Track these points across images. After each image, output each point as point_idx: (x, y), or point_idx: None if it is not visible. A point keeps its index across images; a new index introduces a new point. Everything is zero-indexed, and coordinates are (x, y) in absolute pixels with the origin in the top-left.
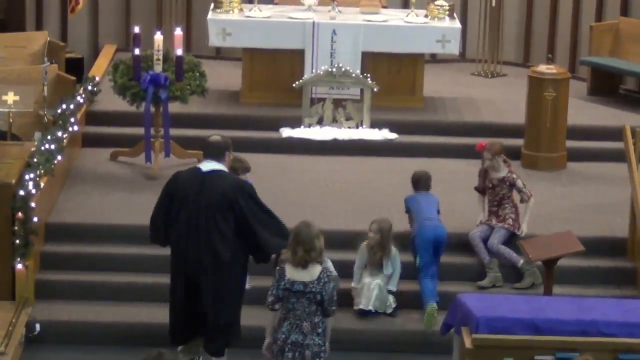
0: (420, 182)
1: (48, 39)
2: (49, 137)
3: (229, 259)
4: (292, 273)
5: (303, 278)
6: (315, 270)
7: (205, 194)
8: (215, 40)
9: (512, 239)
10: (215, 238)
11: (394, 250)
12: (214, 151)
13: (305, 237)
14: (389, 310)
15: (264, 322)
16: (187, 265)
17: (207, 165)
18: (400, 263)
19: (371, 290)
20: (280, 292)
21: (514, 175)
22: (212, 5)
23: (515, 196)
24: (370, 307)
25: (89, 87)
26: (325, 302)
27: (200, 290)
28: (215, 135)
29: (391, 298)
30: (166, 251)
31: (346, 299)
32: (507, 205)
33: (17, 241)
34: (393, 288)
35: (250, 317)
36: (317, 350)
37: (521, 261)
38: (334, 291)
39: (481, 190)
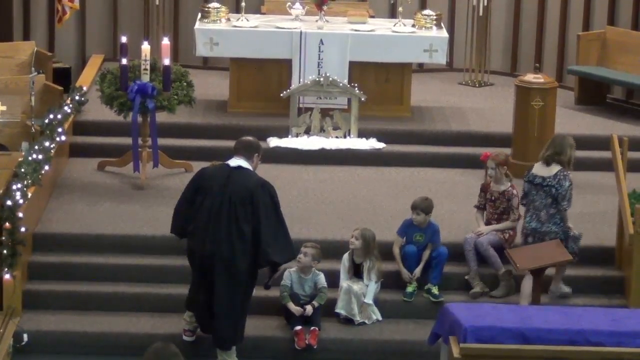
0: None
1: (35, 48)
2: (36, 147)
3: (245, 254)
4: (537, 168)
5: (543, 173)
6: (554, 169)
7: (229, 187)
8: (202, 50)
9: (501, 250)
10: (234, 233)
11: (375, 263)
12: (244, 149)
13: (559, 142)
14: (365, 320)
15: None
16: (202, 255)
17: (235, 162)
18: (378, 277)
19: (342, 293)
20: (526, 185)
21: (514, 192)
22: (199, 15)
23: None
24: (339, 310)
25: (77, 97)
26: (559, 197)
27: (212, 280)
28: (247, 136)
29: (376, 310)
30: (153, 261)
31: (333, 309)
32: (507, 220)
33: (5, 251)
34: (368, 301)
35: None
36: (554, 236)
37: (502, 270)
38: (569, 190)
39: (482, 207)
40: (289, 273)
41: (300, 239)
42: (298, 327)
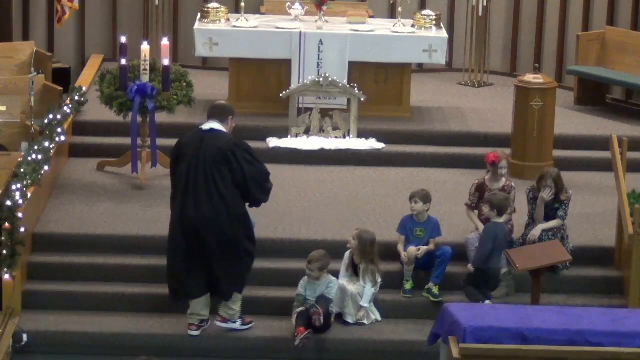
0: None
1: (35, 49)
2: (35, 148)
3: (226, 211)
4: None
5: None
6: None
7: (203, 150)
8: (202, 50)
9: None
10: (214, 194)
11: (370, 267)
12: (217, 112)
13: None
14: (364, 321)
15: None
16: (185, 220)
17: (208, 125)
18: (374, 281)
19: (337, 290)
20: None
21: (512, 184)
22: (198, 15)
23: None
24: (336, 309)
25: (76, 97)
26: None
27: (202, 244)
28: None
29: (375, 310)
30: (152, 261)
31: None
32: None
33: (4, 251)
34: (364, 304)
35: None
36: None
37: (503, 270)
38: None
39: (473, 206)
40: (304, 280)
41: (300, 239)
42: (301, 327)
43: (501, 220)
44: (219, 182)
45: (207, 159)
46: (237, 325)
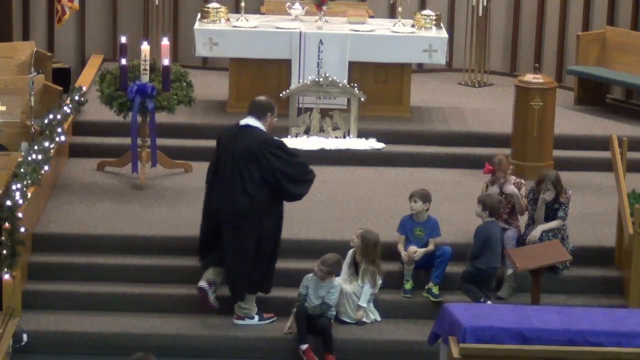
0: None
1: (35, 49)
2: (35, 148)
3: (247, 209)
4: None
5: None
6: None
7: (234, 146)
8: (202, 50)
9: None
10: (238, 189)
11: (370, 267)
12: (255, 109)
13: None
14: (364, 319)
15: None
16: (209, 208)
17: (245, 121)
18: (373, 281)
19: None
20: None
21: (522, 181)
22: (198, 15)
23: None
24: (334, 310)
25: (76, 97)
26: None
27: (220, 235)
28: (261, 96)
29: (374, 310)
30: (152, 261)
31: None
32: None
33: (4, 251)
34: (362, 304)
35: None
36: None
37: (510, 271)
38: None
39: None
40: (307, 279)
41: (299, 239)
42: (304, 346)
43: (492, 219)
44: (247, 179)
45: (236, 156)
46: (256, 320)
